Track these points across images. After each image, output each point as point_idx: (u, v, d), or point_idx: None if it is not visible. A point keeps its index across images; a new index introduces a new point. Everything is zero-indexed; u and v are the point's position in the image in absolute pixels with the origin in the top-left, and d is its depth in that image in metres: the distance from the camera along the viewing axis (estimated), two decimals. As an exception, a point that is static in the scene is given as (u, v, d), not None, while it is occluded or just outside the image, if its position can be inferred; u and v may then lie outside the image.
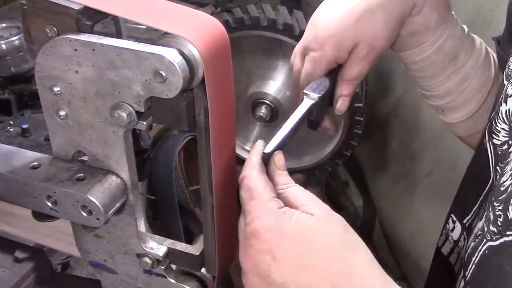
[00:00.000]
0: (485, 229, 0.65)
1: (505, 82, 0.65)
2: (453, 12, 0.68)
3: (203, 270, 0.62)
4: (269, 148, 0.54)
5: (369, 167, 1.61)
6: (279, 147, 0.55)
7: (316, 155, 1.25)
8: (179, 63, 0.47)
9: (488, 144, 0.68)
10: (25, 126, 0.93)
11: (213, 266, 0.60)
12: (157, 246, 0.60)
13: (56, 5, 0.50)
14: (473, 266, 0.65)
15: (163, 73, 0.47)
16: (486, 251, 0.63)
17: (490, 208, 0.64)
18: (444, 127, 0.84)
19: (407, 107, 1.36)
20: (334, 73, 0.67)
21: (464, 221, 0.69)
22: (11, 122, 0.97)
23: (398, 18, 0.61)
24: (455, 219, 0.75)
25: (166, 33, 0.50)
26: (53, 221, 0.63)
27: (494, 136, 0.67)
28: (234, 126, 0.61)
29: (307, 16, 0.83)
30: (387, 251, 1.54)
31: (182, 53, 0.48)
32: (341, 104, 0.63)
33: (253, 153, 0.54)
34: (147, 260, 0.60)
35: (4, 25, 1.08)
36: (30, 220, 0.63)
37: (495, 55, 0.75)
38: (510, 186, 0.61)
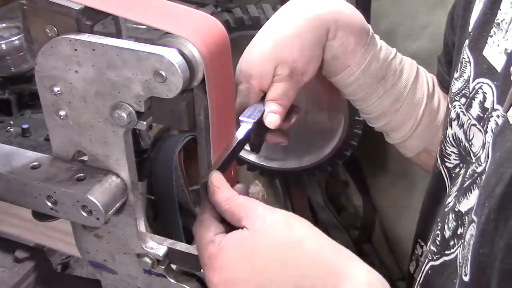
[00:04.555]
0: (427, 249, 0.66)
1: (450, 106, 0.67)
2: (377, 37, 0.72)
3: (203, 270, 0.62)
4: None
5: (369, 167, 1.61)
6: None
7: (316, 155, 1.25)
8: (179, 63, 0.47)
9: (441, 168, 0.70)
10: (25, 126, 0.93)
11: (213, 266, 0.60)
12: (157, 246, 0.60)
13: (56, 5, 0.50)
14: (418, 286, 0.65)
15: (163, 73, 0.47)
16: (429, 271, 0.64)
17: (435, 229, 0.65)
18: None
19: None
20: None
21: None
22: (11, 122, 0.98)
23: (315, 43, 0.66)
24: (422, 243, 0.76)
25: (166, 33, 0.50)
26: (53, 221, 0.63)
27: (446, 159, 0.68)
28: (234, 126, 0.61)
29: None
30: (387, 251, 1.54)
31: (182, 53, 0.48)
32: (269, 120, 0.64)
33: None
34: (147, 260, 0.60)
35: (4, 25, 1.08)
36: (30, 220, 0.63)
37: (429, 75, 0.77)
38: (451, 206, 0.62)
